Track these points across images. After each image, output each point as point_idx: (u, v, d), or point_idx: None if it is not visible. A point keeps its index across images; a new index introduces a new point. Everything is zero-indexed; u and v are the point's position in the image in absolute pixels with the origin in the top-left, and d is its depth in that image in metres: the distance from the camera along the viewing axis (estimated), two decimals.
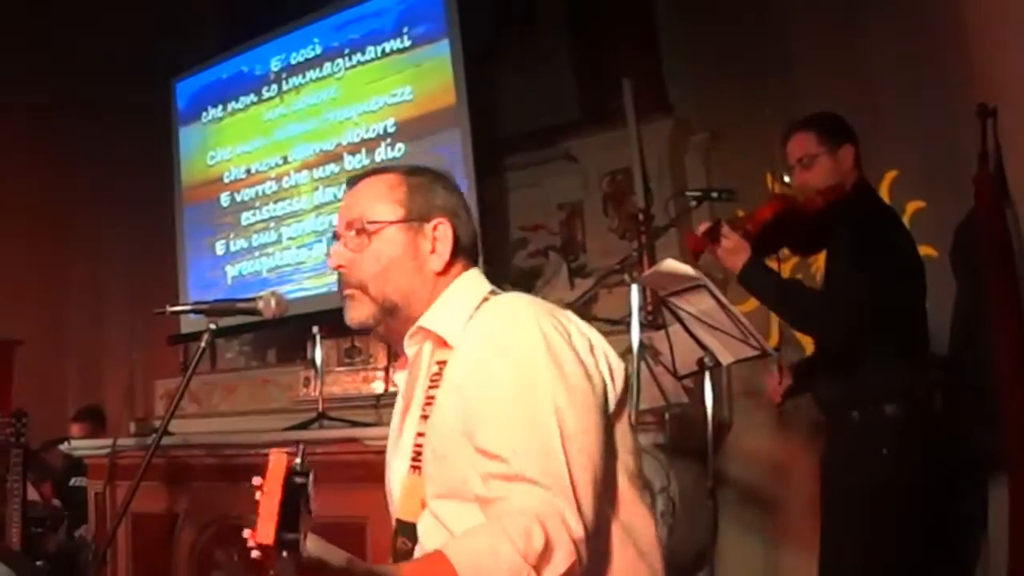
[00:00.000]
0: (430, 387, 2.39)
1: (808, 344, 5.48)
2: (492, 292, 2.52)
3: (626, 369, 2.47)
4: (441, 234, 2.48)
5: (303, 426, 5.84)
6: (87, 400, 8.95)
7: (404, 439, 2.46)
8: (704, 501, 4.86)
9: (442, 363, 2.39)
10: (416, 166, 2.63)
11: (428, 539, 2.30)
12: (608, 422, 2.31)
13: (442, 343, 2.43)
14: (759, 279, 4.41)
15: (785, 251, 4.75)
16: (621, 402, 2.40)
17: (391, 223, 2.45)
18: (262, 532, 1.76)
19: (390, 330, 2.49)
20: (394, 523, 2.45)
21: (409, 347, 2.48)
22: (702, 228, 4.52)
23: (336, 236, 2.54)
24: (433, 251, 2.48)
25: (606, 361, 2.39)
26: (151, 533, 5.86)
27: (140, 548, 5.95)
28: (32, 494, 6.93)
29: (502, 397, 2.19)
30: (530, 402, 2.17)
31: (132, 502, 4.26)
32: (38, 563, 6.23)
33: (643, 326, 4.94)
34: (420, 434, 2.38)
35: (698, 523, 5.04)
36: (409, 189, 2.50)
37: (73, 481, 7.11)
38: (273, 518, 1.76)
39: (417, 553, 2.31)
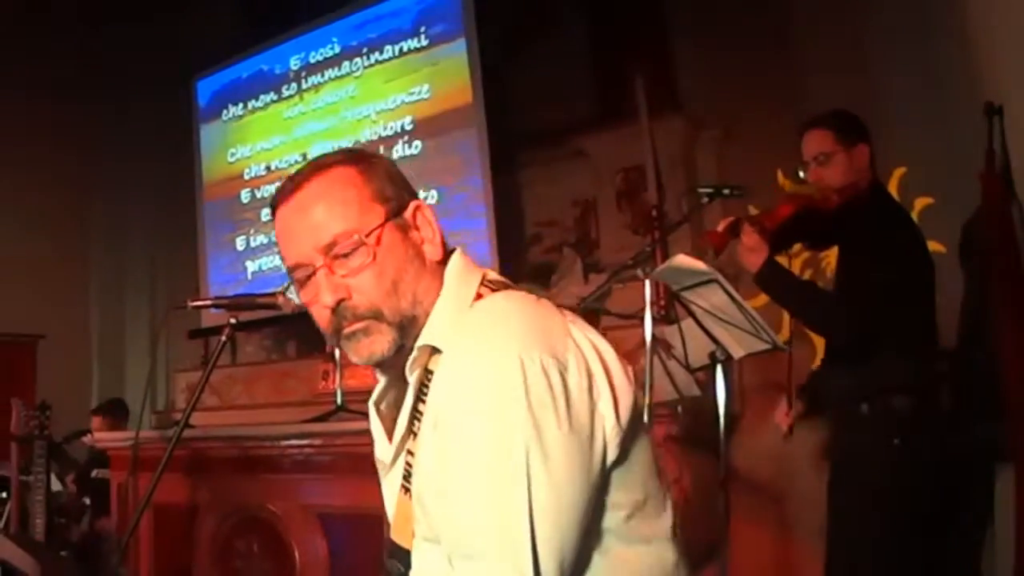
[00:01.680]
0: (417, 400, 2.04)
1: (818, 339, 5.51)
2: (486, 282, 2.11)
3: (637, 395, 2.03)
4: (423, 218, 2.10)
5: (322, 418, 5.85)
6: (109, 393, 8.99)
7: (397, 460, 2.14)
8: (716, 492, 4.89)
9: (430, 373, 2.02)
10: (349, 150, 2.19)
11: None
12: (599, 477, 1.92)
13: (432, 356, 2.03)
14: (775, 279, 4.43)
15: (796, 246, 4.76)
16: (634, 424, 1.99)
17: (382, 226, 2.03)
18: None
19: (403, 352, 2.05)
20: (387, 543, 2.17)
21: (413, 371, 2.04)
22: (723, 225, 4.54)
23: (295, 269, 2.09)
24: (423, 241, 2.09)
25: (609, 392, 1.95)
26: (173, 523, 5.87)
27: (162, 538, 5.97)
28: (55, 485, 6.97)
29: (469, 465, 1.86)
30: (498, 481, 1.83)
31: (154, 493, 4.30)
32: (62, 553, 6.26)
33: (656, 320, 4.95)
34: (410, 452, 2.07)
35: (710, 514, 5.05)
36: (374, 178, 2.08)
37: (95, 473, 7.13)
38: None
39: None
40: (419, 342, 2.03)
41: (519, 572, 1.78)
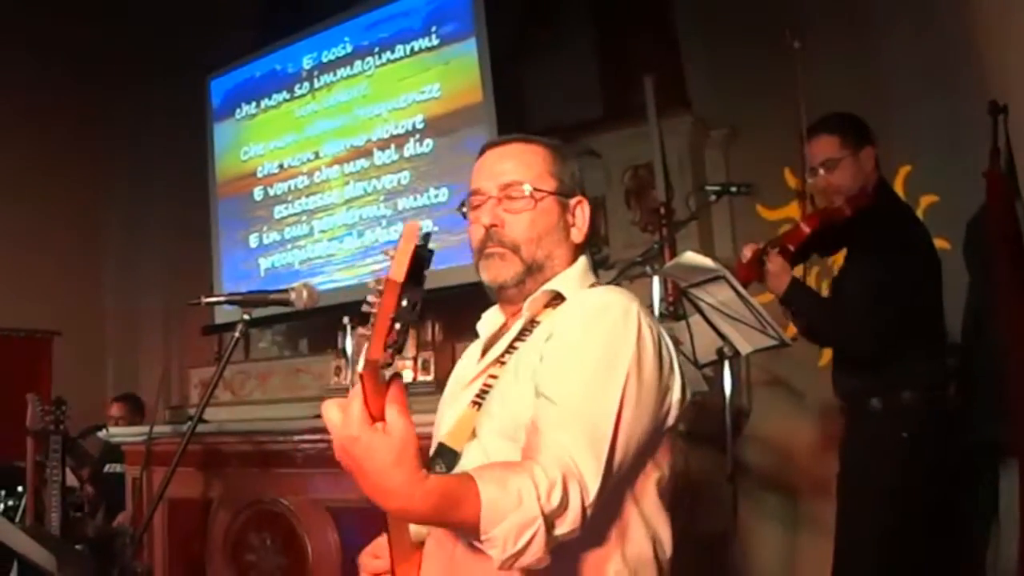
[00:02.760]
0: (516, 339, 2.46)
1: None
2: (600, 279, 2.66)
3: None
4: (581, 212, 2.58)
5: None
6: (124, 389, 8.98)
7: (475, 382, 2.50)
8: (724, 486, 4.91)
9: (536, 323, 2.46)
10: (559, 143, 2.68)
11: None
12: (658, 430, 2.34)
13: (548, 307, 2.50)
14: (801, 300, 4.48)
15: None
16: (680, 416, 2.43)
17: (550, 193, 2.51)
18: (373, 348, 1.82)
19: (520, 291, 2.51)
20: (434, 446, 2.47)
21: (529, 307, 2.49)
22: (749, 255, 4.56)
23: (474, 194, 2.56)
24: (573, 224, 2.57)
25: (680, 379, 2.41)
26: (187, 517, 5.89)
27: (176, 532, 5.99)
28: (70, 480, 6.99)
29: (581, 359, 2.25)
30: (604, 375, 2.22)
31: (168, 487, 4.32)
32: (77, 547, 6.26)
33: (664, 316, 4.98)
34: (492, 376, 2.44)
35: (718, 507, 5.06)
36: (556, 163, 2.57)
37: (108, 467, 7.15)
38: (382, 337, 1.82)
39: None
40: (547, 286, 2.51)
41: (597, 449, 2.13)
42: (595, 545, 2.26)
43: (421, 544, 2.44)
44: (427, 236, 1.86)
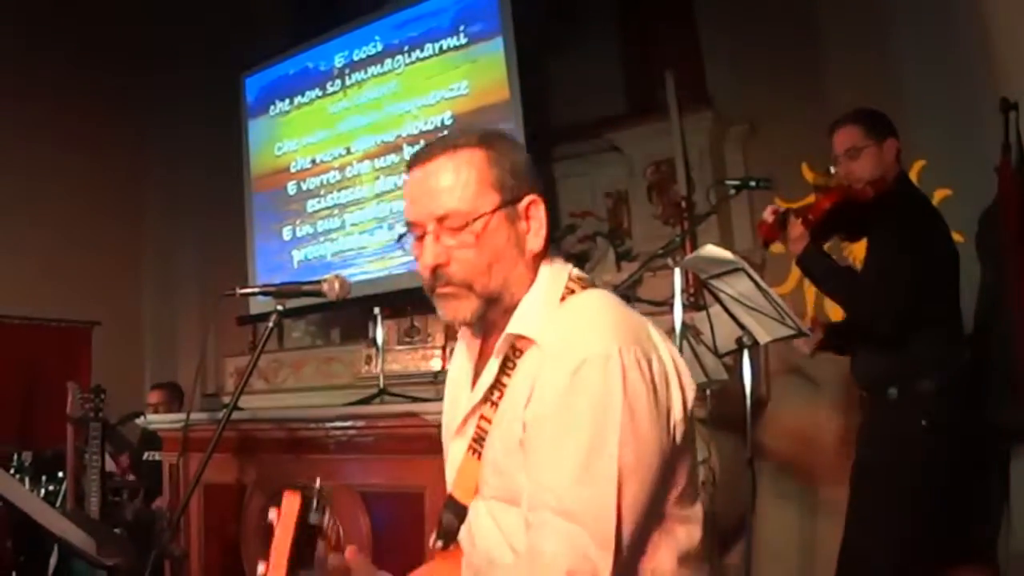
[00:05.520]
0: (501, 373, 2.24)
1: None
2: (573, 279, 2.32)
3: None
4: (535, 213, 2.27)
5: (365, 401, 5.89)
6: (161, 377, 9.01)
7: (468, 422, 2.32)
8: (743, 472, 4.92)
9: (518, 351, 2.23)
10: (488, 132, 2.34)
11: (481, 534, 2.27)
12: (671, 456, 2.14)
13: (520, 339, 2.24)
14: (817, 264, 4.49)
15: (829, 244, 4.81)
16: (688, 419, 2.22)
17: (491, 213, 2.20)
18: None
19: (484, 322, 2.29)
20: (447, 497, 2.37)
21: (500, 351, 2.25)
22: (771, 216, 4.59)
23: (412, 226, 2.27)
24: (528, 231, 2.27)
25: (679, 386, 2.19)
26: (222, 502, 5.90)
27: (211, 516, 6.00)
28: (110, 466, 7.04)
29: (568, 442, 2.04)
30: (597, 452, 2.01)
31: (204, 473, 4.35)
32: (116, 530, 6.29)
33: (685, 307, 4.99)
34: (484, 418, 2.26)
35: (738, 492, 5.07)
36: (498, 167, 2.24)
37: (148, 455, 7.18)
38: (284, 563, 1.80)
39: (463, 538, 2.30)
40: (508, 330, 2.23)
41: (603, 536, 1.98)
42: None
43: None
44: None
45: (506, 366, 2.24)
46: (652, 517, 2.13)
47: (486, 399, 2.27)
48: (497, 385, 2.25)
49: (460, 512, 2.29)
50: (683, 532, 2.20)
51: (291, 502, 1.80)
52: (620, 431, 2.02)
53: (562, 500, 2.01)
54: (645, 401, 2.07)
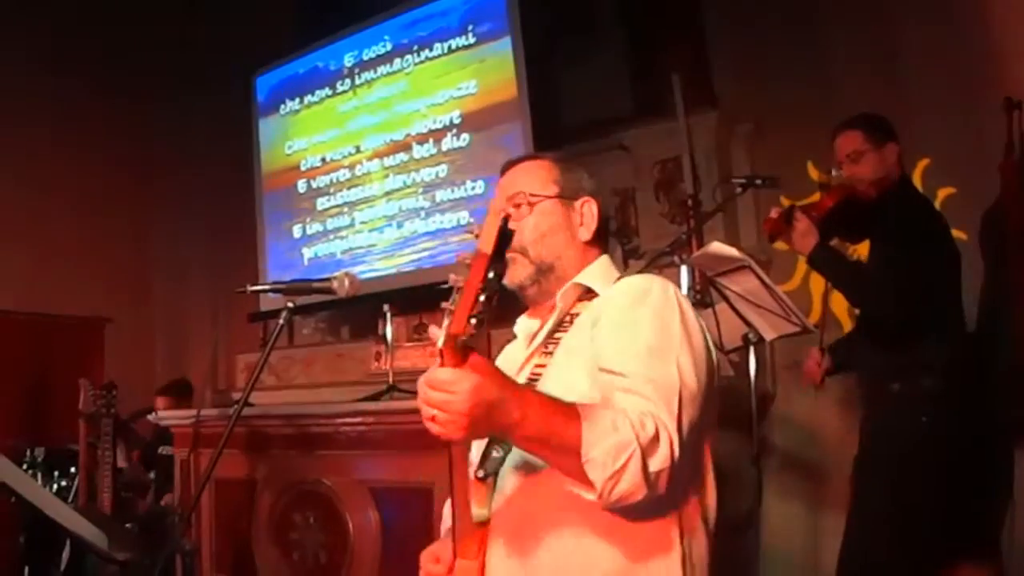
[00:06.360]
0: (557, 330, 2.54)
1: (847, 322, 5.54)
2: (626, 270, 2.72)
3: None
4: (588, 210, 2.67)
5: (375, 397, 5.90)
6: (173, 373, 9.05)
7: (521, 372, 2.53)
8: (749, 467, 4.94)
9: (575, 314, 2.54)
10: (564, 155, 2.86)
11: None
12: (709, 398, 2.37)
13: (582, 300, 2.58)
14: (827, 259, 4.51)
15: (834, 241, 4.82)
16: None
17: (548, 197, 2.64)
18: (455, 322, 1.90)
19: (540, 290, 2.61)
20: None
21: (562, 300, 2.56)
22: (776, 212, 4.61)
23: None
24: (582, 224, 2.66)
25: (716, 355, 2.49)
26: (233, 498, 5.93)
27: (222, 511, 6.02)
28: (122, 461, 7.05)
29: (637, 334, 2.31)
30: (660, 347, 2.29)
31: (215, 469, 4.37)
32: (127, 525, 6.30)
33: (692, 304, 5.00)
34: (539, 365, 2.51)
35: (744, 488, 5.09)
36: (561, 171, 2.71)
37: (161, 450, 7.19)
38: (467, 310, 1.89)
39: (509, 463, 2.42)
40: (576, 279, 2.59)
41: (671, 414, 2.18)
42: (657, 511, 2.28)
43: (482, 524, 2.43)
44: (506, 218, 1.98)
45: (563, 325, 2.55)
46: (695, 448, 2.35)
47: (541, 350, 2.55)
48: (553, 339, 2.53)
49: (507, 444, 2.39)
50: (710, 490, 2.48)
51: (497, 204, 2.20)
52: (680, 336, 2.34)
53: (631, 381, 2.22)
54: (697, 327, 2.42)
